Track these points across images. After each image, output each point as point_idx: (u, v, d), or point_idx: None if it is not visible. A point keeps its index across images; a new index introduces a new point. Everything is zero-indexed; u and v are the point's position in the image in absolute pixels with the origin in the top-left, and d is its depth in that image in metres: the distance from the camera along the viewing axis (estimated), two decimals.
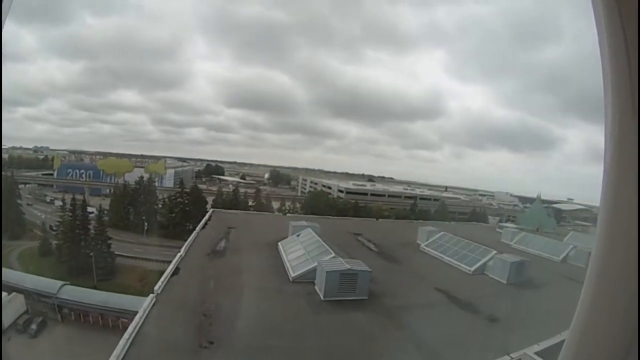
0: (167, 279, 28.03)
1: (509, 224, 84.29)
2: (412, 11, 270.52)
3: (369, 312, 26.17)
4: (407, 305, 28.05)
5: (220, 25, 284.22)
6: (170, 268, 30.59)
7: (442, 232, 47.42)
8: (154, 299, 24.13)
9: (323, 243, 35.40)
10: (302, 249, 35.63)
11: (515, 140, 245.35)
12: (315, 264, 30.31)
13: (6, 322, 63.95)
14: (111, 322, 64.63)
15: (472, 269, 37.75)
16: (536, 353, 16.24)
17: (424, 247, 45.60)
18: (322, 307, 26.47)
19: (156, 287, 25.98)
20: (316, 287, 28.72)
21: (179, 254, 34.38)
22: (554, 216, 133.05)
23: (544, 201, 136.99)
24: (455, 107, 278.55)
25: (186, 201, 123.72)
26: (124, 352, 18.53)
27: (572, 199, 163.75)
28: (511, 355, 19.36)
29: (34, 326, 65.97)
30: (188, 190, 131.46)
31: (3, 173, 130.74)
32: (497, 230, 65.39)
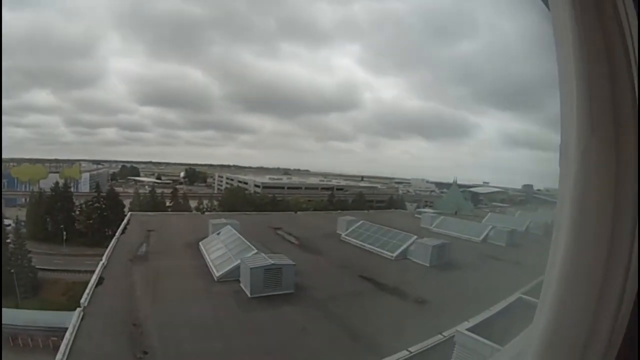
0: (92, 290, 27.30)
1: (427, 209, 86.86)
2: (328, 6, 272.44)
3: (298, 305, 26.46)
4: (334, 295, 28.48)
5: (135, 20, 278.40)
6: (94, 278, 29.83)
7: (361, 221, 48.13)
8: (82, 313, 23.53)
9: (244, 240, 35.42)
10: (224, 248, 35.58)
11: (430, 129, 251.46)
12: (239, 261, 30.35)
13: None
14: (41, 342, 62.53)
15: (395, 254, 38.48)
16: (467, 329, 16.43)
17: (345, 237, 46.23)
18: (250, 304, 26.46)
19: (82, 300, 25.33)
20: (242, 285, 28.71)
21: (101, 262, 33.59)
22: (471, 199, 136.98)
23: (460, 186, 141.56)
24: (370, 99, 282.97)
25: (103, 206, 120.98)
26: None
27: (488, 182, 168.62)
28: (443, 334, 19.96)
29: None
30: (105, 194, 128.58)
31: None
32: (416, 215, 67.46)
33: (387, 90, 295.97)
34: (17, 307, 75.63)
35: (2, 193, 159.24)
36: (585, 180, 2.74)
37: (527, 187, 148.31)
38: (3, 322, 64.91)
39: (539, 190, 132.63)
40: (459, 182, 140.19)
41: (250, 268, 27.62)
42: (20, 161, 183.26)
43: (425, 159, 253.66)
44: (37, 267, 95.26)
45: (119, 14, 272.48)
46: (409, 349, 18.69)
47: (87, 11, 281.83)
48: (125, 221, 53.36)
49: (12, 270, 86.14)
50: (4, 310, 69.92)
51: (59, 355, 18.80)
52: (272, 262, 28.36)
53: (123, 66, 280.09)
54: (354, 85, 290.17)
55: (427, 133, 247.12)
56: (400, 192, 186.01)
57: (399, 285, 30.22)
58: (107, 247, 39.24)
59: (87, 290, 26.88)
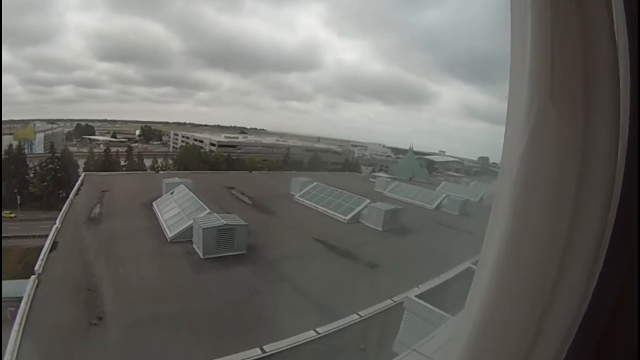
0: (46, 256, 27.04)
1: (382, 174, 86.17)
2: None
3: (250, 265, 26.79)
4: (286, 257, 28.79)
5: None
6: (47, 243, 29.49)
7: (315, 183, 48.67)
8: (37, 280, 23.39)
9: (197, 200, 35.53)
10: (177, 208, 35.62)
11: (390, 94, 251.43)
12: (191, 222, 30.37)
13: None
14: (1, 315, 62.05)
15: (347, 217, 39.15)
16: (417, 296, 16.65)
17: (298, 198, 46.78)
18: (203, 265, 26.65)
19: (36, 267, 25.14)
20: (194, 246, 28.83)
21: (54, 226, 33.22)
22: (426, 167, 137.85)
23: (416, 153, 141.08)
24: (331, 60, 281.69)
25: (58, 167, 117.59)
26: (17, 346, 17.80)
27: (444, 151, 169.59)
28: (393, 299, 20.26)
29: None
30: (59, 155, 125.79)
31: None
32: (371, 180, 68.55)
33: (349, 53, 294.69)
34: None
35: None
36: (534, 158, 2.15)
37: (483, 160, 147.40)
38: None
39: (494, 163, 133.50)
40: (415, 149, 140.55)
41: (203, 229, 27.70)
42: None
43: (383, 124, 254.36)
44: None
45: None
46: (359, 312, 18.91)
47: None
48: (79, 182, 52.75)
49: None
50: None
51: (15, 326, 18.74)
52: (225, 222, 28.54)
53: (81, 20, 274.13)
54: (316, 45, 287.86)
55: (386, 98, 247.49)
56: (356, 155, 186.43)
57: (351, 249, 30.64)
58: (61, 210, 38.91)
59: (40, 256, 26.65)
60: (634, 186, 2.23)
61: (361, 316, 18.79)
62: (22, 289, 23.27)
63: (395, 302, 19.89)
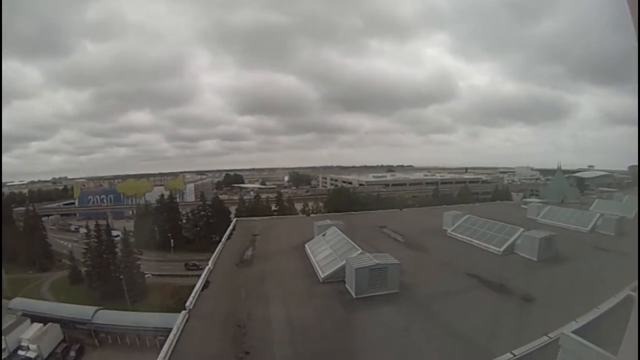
0: (197, 294, 28.11)
1: (533, 199, 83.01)
2: None
3: (402, 304, 25.92)
4: (439, 294, 27.63)
5: (219, 35, 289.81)
6: (199, 282, 30.59)
7: (467, 215, 46.90)
8: (187, 315, 24.25)
9: (349, 240, 34.97)
10: (329, 248, 35.38)
11: (528, 113, 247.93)
12: (344, 262, 29.99)
13: (45, 352, 66.96)
14: (148, 342, 66.14)
15: (502, 249, 37.25)
16: (574, 331, 15.79)
17: (451, 232, 45.20)
18: (354, 304, 26.15)
19: (187, 303, 26.08)
20: (347, 286, 28.44)
21: (207, 267, 34.54)
22: (576, 186, 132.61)
23: (564, 171, 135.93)
24: (464, 87, 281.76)
25: (209, 213, 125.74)
26: None
27: (593, 166, 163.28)
28: (549, 335, 18.74)
29: (72, 353, 68.47)
30: (210, 202, 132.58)
31: (25, 208, 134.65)
32: (522, 206, 64.40)
33: (480, 77, 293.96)
34: (126, 309, 79.66)
35: (108, 207, 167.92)
36: None
37: (633, 168, 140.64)
38: (114, 323, 71.48)
39: None
40: (562, 167, 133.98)
41: (355, 268, 27.24)
42: (125, 177, 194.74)
43: (526, 145, 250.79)
44: (146, 273, 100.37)
45: (201, 32, 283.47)
46: (513, 351, 18.20)
47: (168, 34, 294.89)
48: (231, 227, 54.47)
49: (121, 277, 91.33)
50: (115, 312, 75.25)
51: (161, 354, 19.60)
52: (377, 261, 27.84)
53: (215, 80, 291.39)
54: (447, 74, 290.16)
55: (526, 118, 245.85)
56: (505, 181, 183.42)
57: (505, 282, 29.20)
58: (213, 253, 40.11)
59: (192, 294, 27.71)
60: None
61: (514, 355, 17.98)
62: (172, 321, 24.18)
63: (550, 338, 18.29)
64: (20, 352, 67.66)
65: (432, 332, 21.97)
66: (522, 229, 38.47)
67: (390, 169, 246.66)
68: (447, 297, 27.02)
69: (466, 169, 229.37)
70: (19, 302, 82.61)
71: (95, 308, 75.86)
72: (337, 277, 29.94)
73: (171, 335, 21.62)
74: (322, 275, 31.12)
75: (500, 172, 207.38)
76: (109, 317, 73.97)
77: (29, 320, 73.58)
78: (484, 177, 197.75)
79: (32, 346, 67.53)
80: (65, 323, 74.35)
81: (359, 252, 31.49)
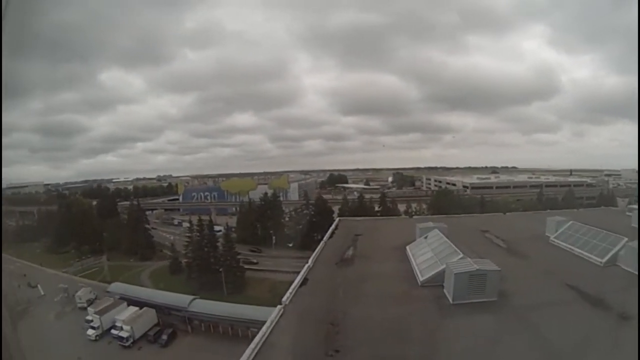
0: (295, 290, 28.91)
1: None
2: None
3: (498, 313, 25.55)
4: (536, 305, 26.86)
5: (318, 38, 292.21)
6: (298, 278, 31.42)
7: (571, 222, 44.84)
8: (282, 310, 25.05)
9: (451, 244, 34.60)
10: (430, 252, 35.23)
11: (634, 109, 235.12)
12: (444, 266, 29.81)
13: (138, 333, 73.20)
14: (241, 332, 69.20)
15: (604, 260, 35.44)
16: None
17: (553, 240, 43.69)
18: (450, 310, 26.05)
19: (284, 298, 26.90)
20: (445, 291, 28.30)
21: (307, 265, 35.39)
22: None
23: None
24: (567, 82, 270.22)
25: (312, 212, 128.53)
26: None
27: None
28: None
29: (164, 337, 73.67)
30: (313, 201, 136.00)
31: (130, 202, 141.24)
32: (627, 213, 59.07)
33: (581, 70, 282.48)
34: (221, 300, 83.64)
35: (212, 203, 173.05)
36: None
37: None
38: (209, 312, 76.11)
39: None
40: None
41: (455, 273, 27.07)
42: (228, 176, 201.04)
43: (633, 146, 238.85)
44: (246, 267, 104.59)
45: (300, 36, 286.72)
46: None
47: (266, 40, 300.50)
48: (333, 226, 55.50)
49: (220, 269, 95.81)
50: (211, 302, 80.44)
51: (252, 345, 20.39)
52: (478, 267, 27.47)
53: (317, 82, 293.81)
54: (548, 68, 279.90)
55: (632, 114, 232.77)
56: (610, 185, 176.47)
57: (604, 297, 27.55)
58: (314, 251, 40.97)
59: (289, 289, 28.52)
60: None
61: None
62: (265, 314, 25.08)
63: None
64: (113, 331, 73.63)
65: (522, 345, 21.64)
66: (625, 239, 36.21)
67: (494, 170, 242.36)
68: (544, 309, 26.25)
69: (571, 171, 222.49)
70: (117, 287, 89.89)
71: (191, 297, 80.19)
72: (436, 281, 29.78)
73: (264, 328, 22.45)
74: (421, 278, 31.16)
75: (606, 175, 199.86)
76: (204, 306, 78.18)
77: (125, 303, 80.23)
78: (589, 180, 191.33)
79: (126, 327, 72.72)
80: (160, 309, 79.41)
81: (460, 256, 31.08)
